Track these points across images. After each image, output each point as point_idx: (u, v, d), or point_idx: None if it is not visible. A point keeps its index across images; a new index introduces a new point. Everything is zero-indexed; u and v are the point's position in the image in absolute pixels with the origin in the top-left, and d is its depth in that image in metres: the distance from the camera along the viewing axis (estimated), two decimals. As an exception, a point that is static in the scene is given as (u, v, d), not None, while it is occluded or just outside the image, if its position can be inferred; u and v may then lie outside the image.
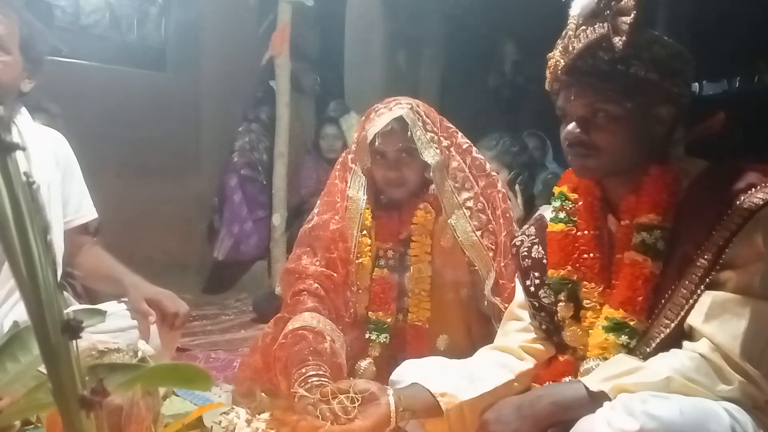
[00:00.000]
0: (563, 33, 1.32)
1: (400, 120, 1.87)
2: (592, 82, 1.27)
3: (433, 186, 1.94)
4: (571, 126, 1.32)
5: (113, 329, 1.62)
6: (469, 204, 1.91)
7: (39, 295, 0.42)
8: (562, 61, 1.30)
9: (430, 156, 1.86)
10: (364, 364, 1.88)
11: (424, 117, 1.90)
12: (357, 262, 1.92)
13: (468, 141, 2.03)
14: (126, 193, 4.10)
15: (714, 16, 5.34)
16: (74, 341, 0.44)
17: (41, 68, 1.79)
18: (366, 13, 5.46)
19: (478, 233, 1.89)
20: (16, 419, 0.88)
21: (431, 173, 1.90)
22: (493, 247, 1.90)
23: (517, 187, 3.01)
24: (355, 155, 1.98)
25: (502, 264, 1.88)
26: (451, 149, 1.96)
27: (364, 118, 1.97)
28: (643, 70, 1.24)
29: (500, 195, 1.99)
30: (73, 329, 0.43)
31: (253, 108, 4.94)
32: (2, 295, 1.71)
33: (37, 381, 0.59)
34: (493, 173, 2.03)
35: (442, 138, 1.92)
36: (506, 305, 1.68)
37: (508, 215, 1.98)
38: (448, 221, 1.90)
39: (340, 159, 2.06)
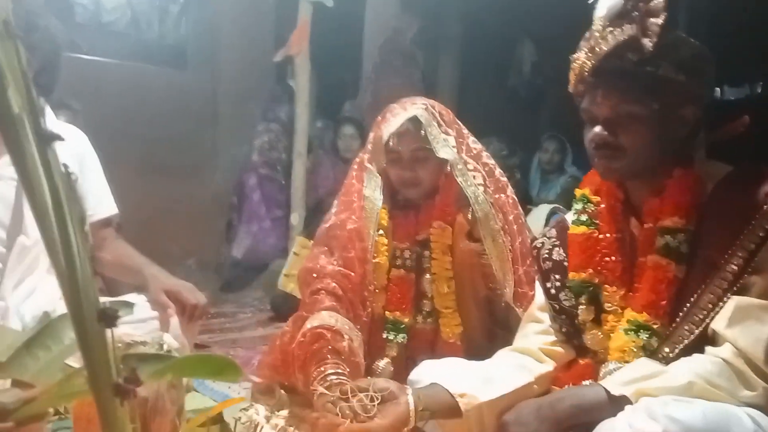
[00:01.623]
0: (587, 34, 1.32)
1: (414, 120, 1.86)
2: (620, 83, 1.27)
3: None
4: (598, 128, 1.31)
5: (134, 320, 1.62)
6: (490, 201, 1.91)
7: (77, 283, 0.43)
8: (588, 62, 1.29)
9: (447, 153, 1.86)
10: (382, 363, 1.87)
11: (439, 118, 1.89)
12: (374, 261, 1.91)
13: (479, 146, 2.02)
14: (144, 190, 4.12)
15: (735, 20, 5.29)
16: (109, 330, 0.45)
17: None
18: (384, 13, 5.46)
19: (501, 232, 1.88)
20: (49, 406, 0.89)
21: (449, 167, 1.89)
22: (511, 249, 1.89)
23: None
24: (371, 155, 1.98)
25: (521, 272, 1.86)
26: (462, 153, 1.95)
27: (380, 118, 1.97)
28: (671, 72, 1.24)
29: (510, 201, 1.97)
30: (109, 318, 0.44)
31: (272, 107, 4.95)
32: (14, 282, 1.72)
33: (63, 373, 0.59)
34: (503, 178, 2.01)
35: (453, 139, 1.91)
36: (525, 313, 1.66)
37: (520, 221, 1.96)
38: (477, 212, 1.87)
39: (357, 159, 2.05)
